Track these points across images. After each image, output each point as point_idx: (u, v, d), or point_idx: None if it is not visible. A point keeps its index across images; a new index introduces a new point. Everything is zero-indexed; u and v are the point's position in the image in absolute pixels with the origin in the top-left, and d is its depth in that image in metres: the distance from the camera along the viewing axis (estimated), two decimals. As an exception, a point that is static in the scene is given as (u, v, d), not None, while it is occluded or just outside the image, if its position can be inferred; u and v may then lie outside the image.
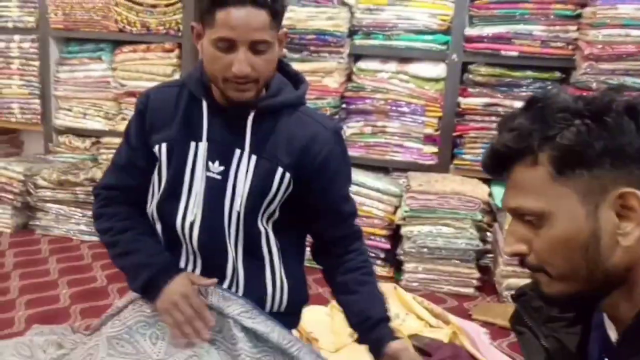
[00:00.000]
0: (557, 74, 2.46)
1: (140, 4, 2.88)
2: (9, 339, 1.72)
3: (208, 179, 1.17)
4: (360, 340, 1.23)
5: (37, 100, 3.11)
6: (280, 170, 1.16)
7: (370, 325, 1.19)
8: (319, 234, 1.29)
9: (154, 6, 2.86)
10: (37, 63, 3.08)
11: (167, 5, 2.84)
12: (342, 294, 1.25)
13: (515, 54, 2.49)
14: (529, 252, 0.72)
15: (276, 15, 1.09)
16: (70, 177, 2.76)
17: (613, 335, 0.73)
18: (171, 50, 2.88)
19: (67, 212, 2.81)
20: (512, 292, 1.09)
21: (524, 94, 2.47)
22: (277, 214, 1.21)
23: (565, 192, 0.68)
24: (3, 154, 3.23)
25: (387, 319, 1.21)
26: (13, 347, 1.42)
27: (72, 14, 2.98)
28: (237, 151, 1.16)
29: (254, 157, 1.16)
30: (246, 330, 1.14)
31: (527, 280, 0.98)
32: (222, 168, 1.17)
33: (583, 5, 2.40)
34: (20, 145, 3.45)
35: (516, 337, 0.87)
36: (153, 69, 2.87)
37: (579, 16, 2.41)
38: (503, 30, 2.50)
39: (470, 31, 2.55)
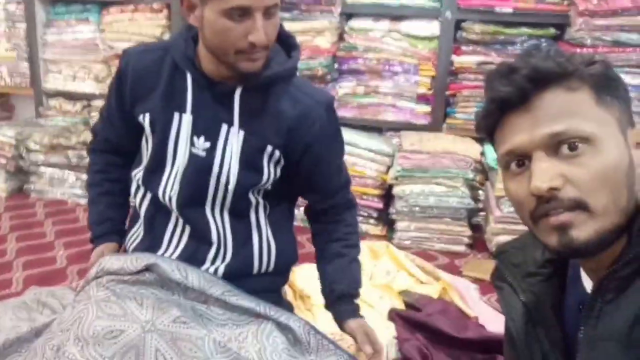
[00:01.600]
0: (552, 31, 2.43)
1: (127, -38, 2.81)
2: (8, 299, 1.76)
3: (192, 155, 1.14)
4: (326, 308, 1.28)
5: (26, 64, 3.07)
6: (269, 147, 1.14)
7: (334, 298, 1.25)
8: (310, 203, 1.31)
9: (140, -36, 2.79)
10: (23, 25, 3.02)
11: (154, -37, 2.77)
12: (319, 262, 1.29)
13: (509, 10, 2.45)
14: (565, 186, 0.67)
15: None
16: (62, 140, 2.75)
17: (588, 286, 0.74)
18: (159, 11, 2.82)
19: (60, 175, 2.81)
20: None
21: (518, 51, 2.44)
22: (269, 186, 1.21)
23: (608, 118, 0.68)
24: (-6, 119, 3.22)
25: (351, 296, 1.24)
26: (11, 310, 1.45)
27: (57, -27, 2.91)
28: (224, 126, 1.13)
29: (242, 133, 1.13)
30: (231, 307, 1.13)
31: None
32: (207, 144, 1.14)
33: (579, -40, 2.35)
34: (11, 109, 3.42)
35: (496, 292, 0.88)
36: (142, 30, 2.82)
37: (575, -29, 2.36)
38: (497, -15, 2.45)
39: (464, -13, 2.49)
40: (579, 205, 0.67)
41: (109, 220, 1.31)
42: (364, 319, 1.24)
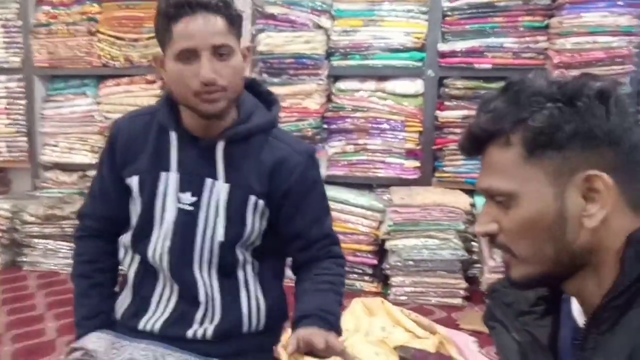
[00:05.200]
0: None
1: (122, 39, 2.95)
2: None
3: (179, 210, 1.16)
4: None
5: (24, 138, 3.16)
6: (252, 198, 1.15)
7: (298, 318, 1.13)
8: (292, 257, 1.28)
9: (135, 40, 2.93)
10: (23, 102, 3.14)
11: (148, 39, 2.91)
12: (296, 299, 1.21)
13: (488, 66, 2.55)
14: (500, 232, 0.73)
15: (232, 21, 1.09)
16: (57, 211, 2.78)
17: (580, 319, 0.73)
18: (153, 82, 2.94)
19: (54, 246, 2.81)
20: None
21: (500, 104, 2.51)
22: (258, 242, 1.20)
23: (535, 174, 0.69)
24: (-9, 193, 3.26)
25: (319, 317, 1.11)
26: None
27: (56, 52, 3.05)
28: (209, 180, 1.15)
29: (226, 186, 1.15)
30: None
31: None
32: (194, 199, 1.15)
33: (550, 16, 2.47)
34: (8, 183, 3.47)
35: (489, 332, 0.86)
36: (137, 100, 2.92)
37: (547, 27, 2.48)
38: (475, 44, 2.56)
39: (443, 47, 2.61)
40: (508, 251, 0.73)
41: (102, 313, 1.24)
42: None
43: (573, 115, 0.67)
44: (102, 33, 2.97)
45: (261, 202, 1.16)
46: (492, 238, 0.74)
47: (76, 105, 3.08)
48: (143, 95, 2.93)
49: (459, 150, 0.79)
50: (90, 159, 3.05)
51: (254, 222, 1.17)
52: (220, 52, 1.07)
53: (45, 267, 2.81)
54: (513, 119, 0.70)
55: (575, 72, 2.24)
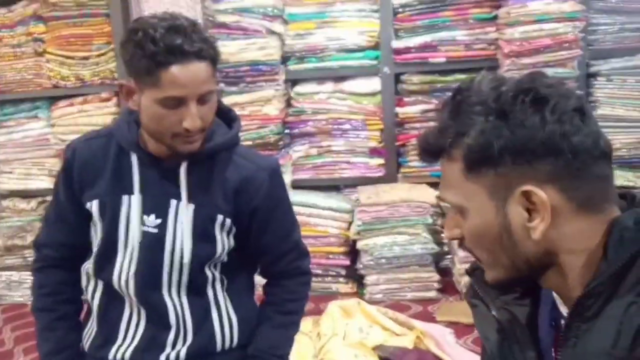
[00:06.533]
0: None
1: (72, 58, 2.87)
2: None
3: (144, 233, 1.14)
4: None
5: (-23, 169, 3.03)
6: (220, 217, 1.15)
7: (248, 357, 1.22)
8: (260, 268, 1.30)
9: (85, 58, 2.85)
10: (-28, 131, 3.01)
11: (98, 56, 2.84)
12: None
13: (442, 60, 2.58)
14: (463, 237, 0.75)
15: (216, 62, 1.08)
16: (18, 240, 2.69)
17: (564, 310, 0.74)
18: (108, 100, 2.87)
19: (18, 277, 2.72)
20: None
21: (456, 96, 2.55)
22: (225, 258, 1.20)
23: (476, 189, 0.70)
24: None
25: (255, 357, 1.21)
26: None
27: (2, 76, 2.94)
28: (174, 202, 1.14)
29: (191, 206, 1.14)
30: None
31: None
32: (158, 221, 1.13)
33: (498, 7, 2.52)
34: (-36, 216, 3.34)
35: (471, 311, 0.87)
36: (92, 120, 2.84)
37: (495, 17, 2.53)
38: (428, 39, 2.59)
39: (397, 44, 2.63)
40: (474, 255, 0.76)
41: (69, 348, 1.21)
42: None
43: (503, 130, 0.66)
44: (50, 53, 2.87)
45: (228, 221, 1.16)
46: (460, 241, 0.76)
47: (29, 130, 2.97)
48: (98, 114, 2.86)
49: (419, 158, 0.81)
50: (49, 183, 2.96)
51: (223, 241, 1.17)
52: (204, 99, 1.07)
53: (10, 299, 2.72)
54: (452, 135, 0.70)
55: (526, 60, 2.35)
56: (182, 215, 1.14)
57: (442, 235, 2.46)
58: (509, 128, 0.66)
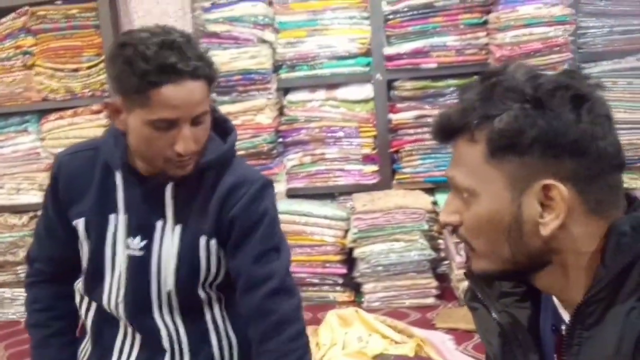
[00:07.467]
0: (476, 79, 2.57)
1: (61, 70, 2.84)
2: None
3: (129, 257, 1.09)
4: None
5: (-34, 185, 2.99)
6: (203, 240, 1.09)
7: None
8: (240, 304, 1.12)
9: (75, 70, 2.83)
10: (-40, 147, 2.97)
11: (88, 68, 2.82)
12: None
13: (434, 65, 2.59)
14: (461, 224, 0.73)
15: (212, 80, 1.02)
16: (10, 257, 2.66)
17: (564, 314, 0.74)
18: (99, 112, 2.84)
19: (11, 294, 2.68)
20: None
21: (449, 102, 2.56)
22: (221, 278, 1.15)
23: (495, 175, 0.68)
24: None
25: None
26: None
27: (-10, 90, 2.91)
28: (159, 223, 1.09)
29: (178, 228, 1.08)
30: None
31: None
32: (143, 243, 1.09)
33: (488, 12, 2.53)
34: (-46, 233, 3.29)
35: (471, 314, 0.85)
36: (83, 132, 2.81)
37: (485, 22, 2.54)
38: (419, 45, 2.59)
39: (389, 50, 2.63)
40: (468, 244, 0.74)
41: None
42: None
43: (538, 119, 0.65)
44: (40, 66, 2.85)
45: (213, 242, 1.09)
46: (454, 228, 0.74)
47: (19, 144, 2.93)
48: (89, 126, 2.83)
49: (432, 137, 0.76)
50: (40, 198, 2.91)
51: (209, 264, 1.11)
52: (198, 120, 1.00)
53: (3, 317, 2.67)
54: (480, 115, 0.68)
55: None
56: (169, 237, 1.09)
57: (439, 241, 2.46)
58: (545, 119, 0.65)
